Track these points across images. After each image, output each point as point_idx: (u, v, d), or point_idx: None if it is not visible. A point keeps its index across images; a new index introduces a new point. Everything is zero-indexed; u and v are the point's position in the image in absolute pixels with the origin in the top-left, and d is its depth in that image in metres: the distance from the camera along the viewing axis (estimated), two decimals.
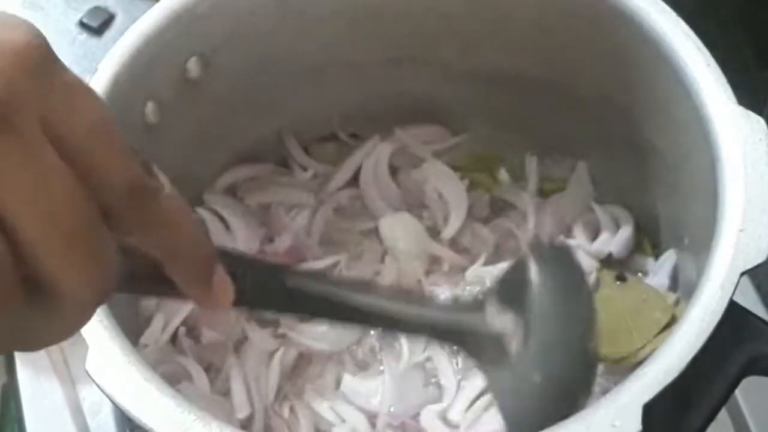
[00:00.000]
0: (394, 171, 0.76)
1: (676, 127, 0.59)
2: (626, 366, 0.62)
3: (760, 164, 0.53)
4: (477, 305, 0.48)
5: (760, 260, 0.50)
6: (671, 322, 0.61)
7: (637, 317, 0.63)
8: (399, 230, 0.72)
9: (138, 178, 0.30)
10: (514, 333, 0.47)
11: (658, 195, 0.67)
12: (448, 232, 0.72)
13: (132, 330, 0.53)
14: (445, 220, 0.73)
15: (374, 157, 0.75)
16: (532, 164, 0.75)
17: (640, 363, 0.56)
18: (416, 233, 0.72)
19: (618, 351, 0.62)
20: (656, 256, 0.69)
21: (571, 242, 0.71)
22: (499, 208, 0.75)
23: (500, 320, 0.48)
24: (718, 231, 0.51)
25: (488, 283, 0.69)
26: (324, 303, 0.43)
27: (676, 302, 0.64)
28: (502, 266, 0.69)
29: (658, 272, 0.67)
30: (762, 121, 0.54)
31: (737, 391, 0.54)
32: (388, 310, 0.45)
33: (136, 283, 0.34)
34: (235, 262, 0.38)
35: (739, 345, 0.52)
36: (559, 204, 0.73)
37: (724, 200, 0.52)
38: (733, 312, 0.50)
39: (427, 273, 0.72)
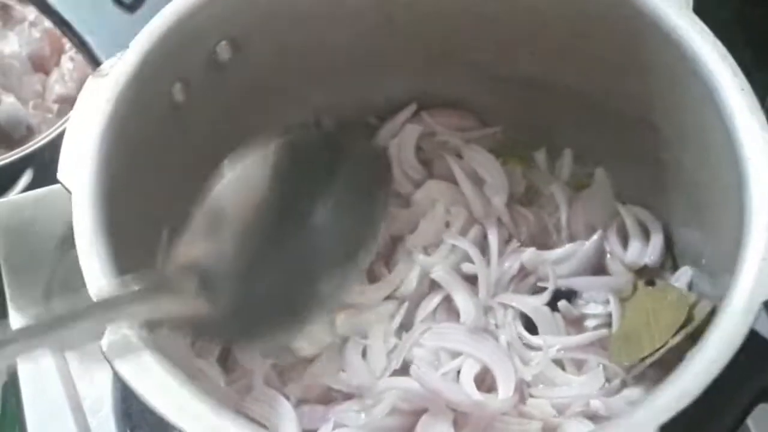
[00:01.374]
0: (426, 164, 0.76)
1: (706, 150, 0.59)
2: (645, 365, 0.62)
3: None
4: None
5: None
6: (687, 321, 0.61)
7: (659, 317, 0.64)
8: (436, 193, 0.73)
9: None
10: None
11: (680, 213, 0.67)
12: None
13: None
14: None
15: (399, 138, 0.75)
16: (567, 157, 0.75)
17: (658, 361, 0.60)
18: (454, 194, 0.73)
19: (641, 352, 0.63)
20: (673, 270, 0.69)
21: (606, 248, 0.71)
22: (532, 194, 0.75)
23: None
24: (741, 257, 0.51)
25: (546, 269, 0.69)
26: None
27: (695, 303, 0.63)
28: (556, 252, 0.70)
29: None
30: None
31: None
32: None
33: None
34: None
35: (754, 373, 0.53)
36: (589, 200, 0.73)
37: (750, 227, 0.52)
38: (750, 339, 0.50)
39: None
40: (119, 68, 0.59)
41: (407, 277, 0.69)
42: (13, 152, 0.96)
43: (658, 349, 0.61)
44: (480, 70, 0.71)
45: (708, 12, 0.59)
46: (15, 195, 0.91)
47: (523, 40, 0.68)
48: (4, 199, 0.83)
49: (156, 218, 0.66)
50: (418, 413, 0.63)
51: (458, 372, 0.65)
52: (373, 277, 0.70)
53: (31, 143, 0.96)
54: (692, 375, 0.48)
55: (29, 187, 0.92)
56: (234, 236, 0.54)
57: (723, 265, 0.53)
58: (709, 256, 0.62)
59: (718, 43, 0.58)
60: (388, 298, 0.69)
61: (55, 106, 1.03)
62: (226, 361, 0.67)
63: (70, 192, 0.55)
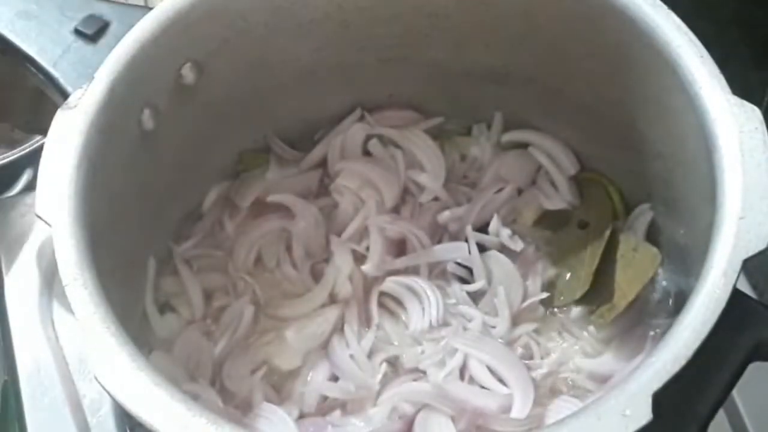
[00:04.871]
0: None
1: (671, 119, 0.60)
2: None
3: (756, 152, 0.53)
4: None
5: (761, 247, 0.50)
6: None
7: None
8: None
9: None
10: None
11: (654, 187, 0.67)
12: (426, 196, 0.73)
13: (139, 336, 0.53)
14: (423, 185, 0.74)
15: (342, 138, 0.75)
16: (497, 119, 0.76)
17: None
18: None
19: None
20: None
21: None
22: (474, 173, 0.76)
23: None
24: (718, 219, 0.52)
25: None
26: None
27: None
28: None
29: None
30: (757, 109, 0.55)
31: None
32: None
33: None
34: None
35: (744, 331, 0.53)
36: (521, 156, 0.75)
37: (723, 189, 0.53)
38: (737, 299, 0.50)
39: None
40: (87, 99, 0.59)
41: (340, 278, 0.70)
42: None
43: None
44: (439, 69, 0.72)
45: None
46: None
47: (477, 35, 0.69)
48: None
49: (140, 246, 0.66)
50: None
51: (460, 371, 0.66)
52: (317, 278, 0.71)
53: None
54: (682, 339, 0.48)
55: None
56: None
57: (700, 234, 0.54)
58: (686, 225, 0.63)
59: (672, 15, 0.59)
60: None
61: None
62: (214, 384, 0.67)
63: (50, 225, 0.55)
